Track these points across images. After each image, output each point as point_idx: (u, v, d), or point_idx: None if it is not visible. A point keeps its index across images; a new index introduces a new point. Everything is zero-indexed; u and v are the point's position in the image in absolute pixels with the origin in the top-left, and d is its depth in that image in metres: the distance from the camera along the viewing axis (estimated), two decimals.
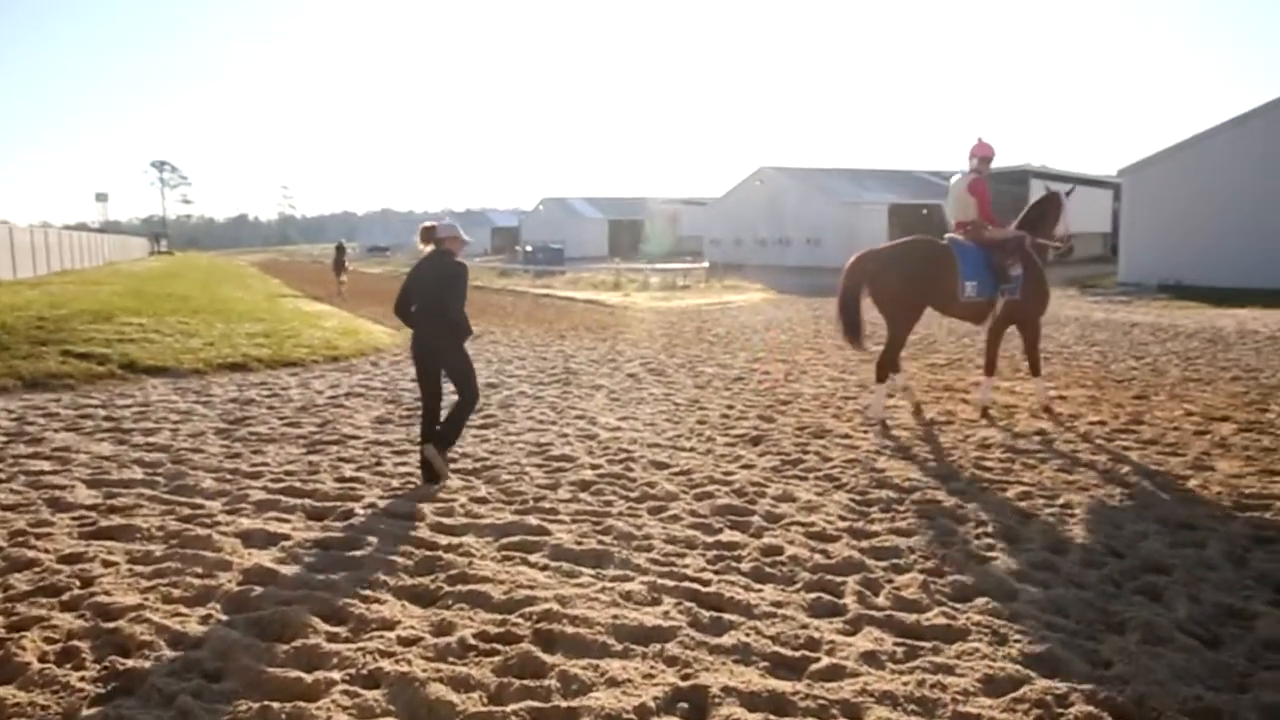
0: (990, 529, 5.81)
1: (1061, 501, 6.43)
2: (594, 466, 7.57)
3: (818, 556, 5.30)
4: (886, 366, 9.22)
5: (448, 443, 7.11)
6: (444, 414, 7.16)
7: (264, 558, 5.23)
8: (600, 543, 5.56)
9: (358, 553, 5.32)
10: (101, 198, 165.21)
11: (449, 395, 7.13)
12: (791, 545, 5.49)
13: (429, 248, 7.04)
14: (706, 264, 40.04)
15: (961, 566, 5.12)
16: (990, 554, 5.36)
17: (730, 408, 10.30)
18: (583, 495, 6.71)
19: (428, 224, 7.12)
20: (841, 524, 5.94)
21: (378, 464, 7.68)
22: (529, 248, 54.17)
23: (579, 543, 5.55)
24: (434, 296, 6.86)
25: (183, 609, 4.49)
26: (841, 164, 63.22)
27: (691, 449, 8.27)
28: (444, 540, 5.58)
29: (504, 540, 5.61)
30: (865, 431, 8.92)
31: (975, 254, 9.07)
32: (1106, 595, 4.73)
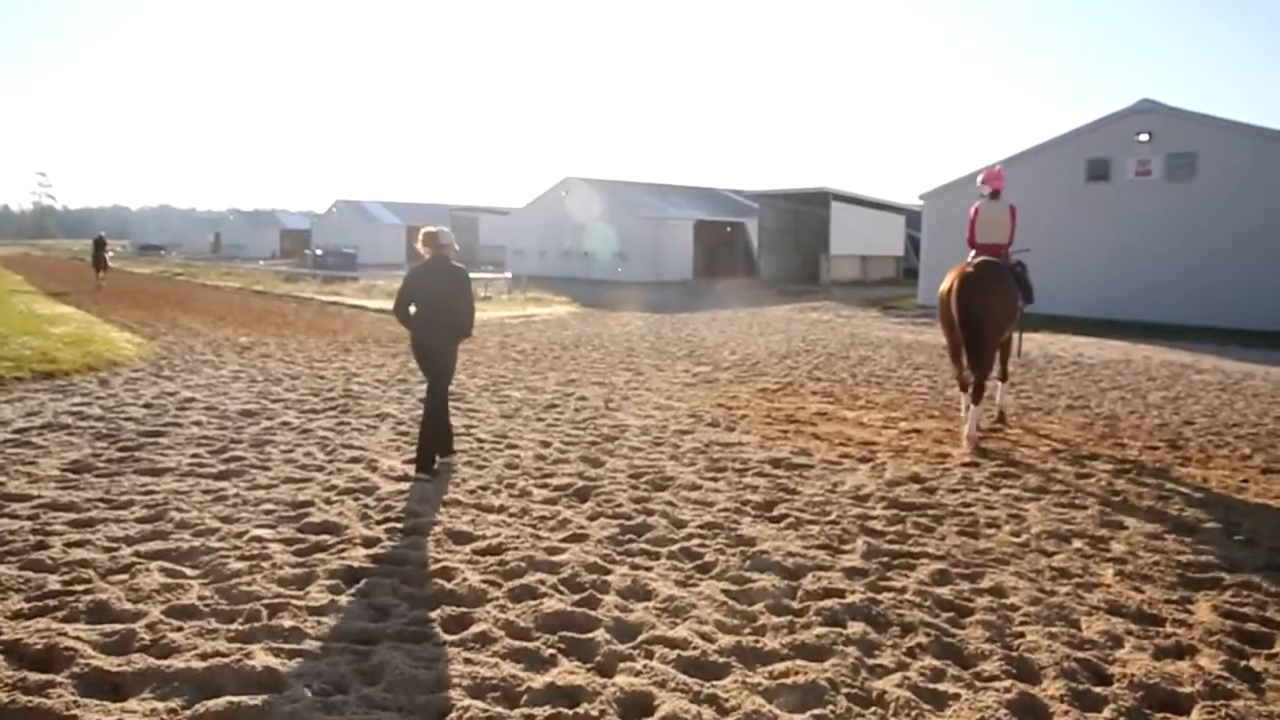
0: (924, 640, 4.22)
1: (988, 585, 4.98)
2: (367, 542, 5.47)
3: (707, 711, 3.48)
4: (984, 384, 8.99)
5: (447, 449, 7.72)
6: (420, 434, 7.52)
7: None
8: (368, 706, 3.49)
9: None
10: None
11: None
12: (663, 690, 3.63)
13: (429, 252, 7.35)
14: (509, 275, 37.80)
15: None
16: (942, 686, 3.75)
17: (546, 445, 8.40)
18: (344, 600, 4.59)
19: (431, 229, 7.47)
20: (725, 640, 4.16)
21: (40, 545, 5.21)
22: (319, 251, 49.88)
23: (332, 710, 3.45)
24: (444, 301, 7.30)
25: None
26: (648, 178, 63.00)
27: (501, 508, 6.32)
28: None
29: (201, 707, 3.41)
30: (714, 478, 7.29)
31: (1009, 274, 9.46)
32: None
